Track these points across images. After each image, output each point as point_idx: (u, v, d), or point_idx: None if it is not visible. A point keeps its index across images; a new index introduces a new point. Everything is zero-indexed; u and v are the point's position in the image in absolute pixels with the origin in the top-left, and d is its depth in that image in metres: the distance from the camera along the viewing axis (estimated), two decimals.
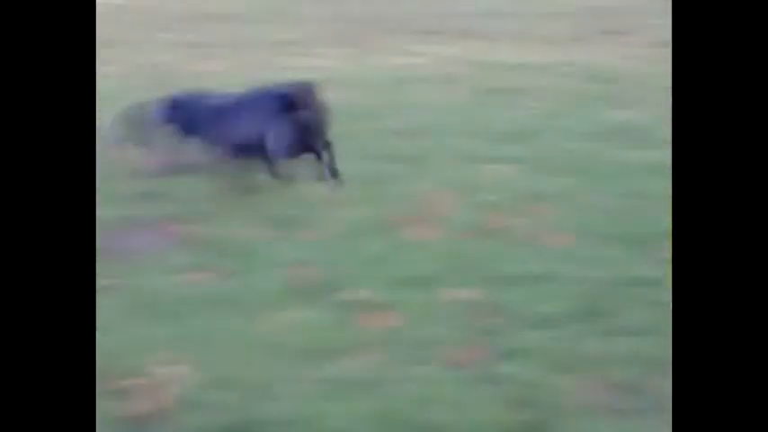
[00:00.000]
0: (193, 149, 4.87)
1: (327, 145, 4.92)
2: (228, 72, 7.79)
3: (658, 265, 3.60)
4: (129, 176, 4.88)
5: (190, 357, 3.02)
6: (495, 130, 6.01)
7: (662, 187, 4.36)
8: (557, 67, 8.15)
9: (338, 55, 8.87)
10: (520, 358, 3.02)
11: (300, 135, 4.77)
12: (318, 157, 4.90)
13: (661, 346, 2.94)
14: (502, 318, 3.32)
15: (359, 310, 3.39)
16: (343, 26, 10.66)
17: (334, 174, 4.86)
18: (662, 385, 2.75)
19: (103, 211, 4.32)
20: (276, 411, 2.74)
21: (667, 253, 3.47)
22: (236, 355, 3.06)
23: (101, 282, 3.52)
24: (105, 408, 2.71)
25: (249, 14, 11.52)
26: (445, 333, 3.21)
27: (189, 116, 4.83)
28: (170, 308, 3.39)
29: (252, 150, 4.75)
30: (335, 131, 5.83)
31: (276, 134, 4.74)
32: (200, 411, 2.73)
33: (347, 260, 3.84)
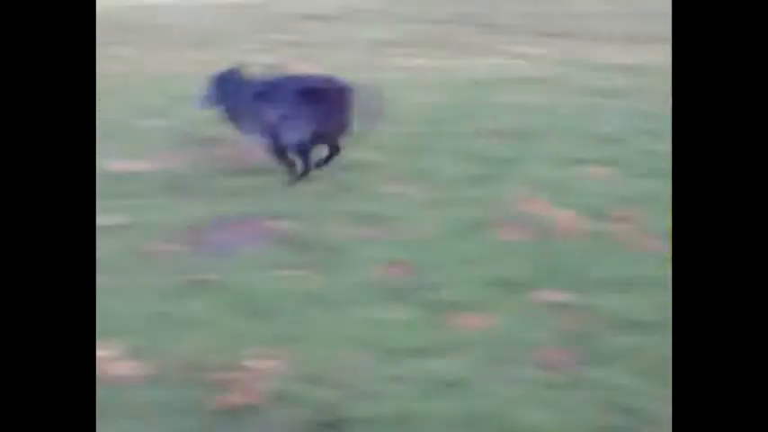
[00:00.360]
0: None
1: (333, 148, 4.95)
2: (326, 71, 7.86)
3: None
4: (221, 174, 4.96)
5: (282, 353, 3.07)
6: (589, 131, 5.94)
7: None
8: (654, 69, 8.02)
9: (434, 55, 8.87)
10: (612, 363, 2.99)
11: (315, 129, 4.81)
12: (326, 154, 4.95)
13: None
14: (594, 321, 3.29)
15: (450, 310, 3.40)
16: (441, 27, 10.66)
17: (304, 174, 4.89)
18: None
19: (198, 208, 4.44)
20: (366, 409, 2.76)
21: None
22: (327, 352, 3.10)
23: (196, 276, 3.64)
24: (200, 399, 2.79)
25: (349, 14, 11.60)
26: (537, 335, 3.20)
27: (232, 99, 4.91)
28: (263, 304, 3.44)
29: (274, 139, 4.85)
30: (432, 131, 5.89)
31: (290, 124, 4.80)
32: (292, 406, 2.77)
33: (439, 260, 3.85)
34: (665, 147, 5.52)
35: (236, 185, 4.79)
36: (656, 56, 8.64)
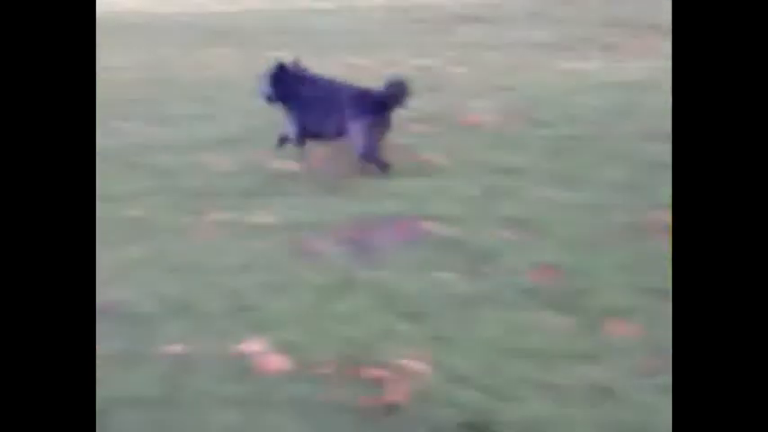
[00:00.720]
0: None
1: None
2: (482, 74, 7.86)
3: None
4: (374, 175, 5.02)
5: (430, 354, 3.08)
6: None
7: None
8: None
9: (590, 57, 8.73)
10: None
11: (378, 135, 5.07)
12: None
13: None
14: None
15: (601, 316, 3.34)
16: (596, 29, 10.47)
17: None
18: None
19: (352, 208, 4.50)
20: (512, 414, 2.75)
21: None
22: (475, 354, 3.09)
23: (349, 275, 3.70)
24: (348, 396, 2.83)
25: (502, 17, 11.54)
26: None
27: (287, 91, 5.20)
28: (413, 304, 3.46)
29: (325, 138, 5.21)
30: (588, 134, 5.81)
31: (360, 131, 5.05)
32: (438, 407, 2.78)
33: (591, 265, 3.78)
34: None
35: (389, 186, 4.84)
36: None
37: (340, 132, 5.15)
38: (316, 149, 5.36)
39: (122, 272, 3.79)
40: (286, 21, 11.59)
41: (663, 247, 3.91)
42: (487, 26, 10.86)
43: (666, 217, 4.23)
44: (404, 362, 3.02)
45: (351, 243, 4.10)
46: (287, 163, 5.24)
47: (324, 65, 5.76)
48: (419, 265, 3.83)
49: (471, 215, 4.41)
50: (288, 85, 5.21)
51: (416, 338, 3.21)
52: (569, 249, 3.97)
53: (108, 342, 3.17)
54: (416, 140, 5.66)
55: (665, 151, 5.38)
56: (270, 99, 5.28)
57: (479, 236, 4.14)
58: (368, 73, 7.34)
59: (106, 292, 3.56)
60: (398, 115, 5.18)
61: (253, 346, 3.13)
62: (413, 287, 3.62)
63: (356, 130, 5.06)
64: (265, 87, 5.26)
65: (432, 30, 10.66)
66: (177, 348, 3.14)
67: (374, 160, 5.08)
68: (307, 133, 5.24)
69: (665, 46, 8.88)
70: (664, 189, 4.71)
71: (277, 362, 3.04)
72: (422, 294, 3.56)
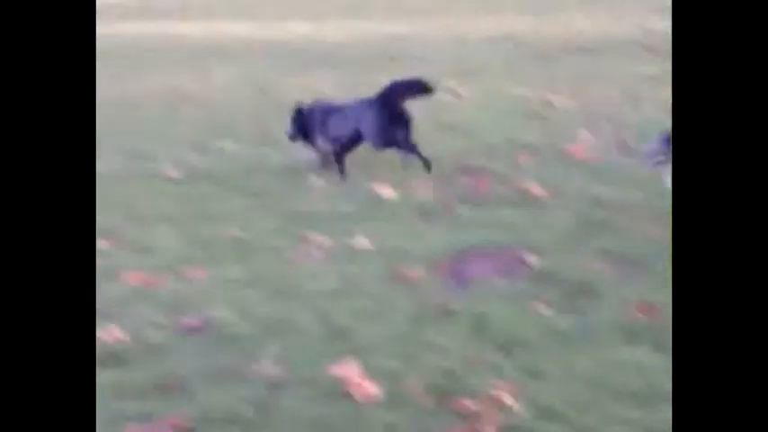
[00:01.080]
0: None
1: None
2: (587, 105, 7.79)
3: None
4: (469, 203, 5.01)
5: (521, 388, 3.04)
6: None
7: None
8: None
9: None
10: None
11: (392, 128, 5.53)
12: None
13: None
14: None
15: None
16: None
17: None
18: None
19: (446, 236, 4.50)
20: None
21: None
22: (567, 390, 3.04)
23: (442, 304, 3.69)
24: (436, 425, 2.82)
25: (615, 48, 11.41)
26: None
27: (309, 124, 5.82)
28: (507, 336, 3.43)
29: (349, 143, 5.69)
30: None
31: (370, 124, 5.56)
32: None
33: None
34: None
35: (487, 215, 4.82)
36: None
37: (359, 135, 5.64)
38: (418, 178, 5.37)
39: (220, 291, 3.85)
40: (390, 46, 11.68)
41: None
42: (595, 57, 10.75)
43: None
44: (495, 393, 2.99)
45: (447, 272, 4.09)
46: (386, 188, 5.27)
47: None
48: (514, 297, 3.80)
49: (569, 248, 4.35)
50: (308, 121, 5.82)
51: (509, 371, 3.18)
52: (668, 287, 3.88)
53: (203, 359, 3.23)
54: (517, 170, 5.63)
55: None
56: (293, 138, 5.89)
57: (577, 269, 4.08)
58: (467, 102, 7.33)
59: (204, 311, 3.63)
60: (503, 144, 5.15)
61: (345, 370, 3.14)
62: (508, 319, 3.58)
63: (367, 123, 5.56)
64: (290, 129, 5.89)
65: (539, 59, 10.60)
66: (271, 369, 3.17)
67: (407, 149, 5.54)
68: (342, 148, 5.70)
69: None
70: None
71: (368, 387, 3.05)
72: (516, 326, 3.52)
